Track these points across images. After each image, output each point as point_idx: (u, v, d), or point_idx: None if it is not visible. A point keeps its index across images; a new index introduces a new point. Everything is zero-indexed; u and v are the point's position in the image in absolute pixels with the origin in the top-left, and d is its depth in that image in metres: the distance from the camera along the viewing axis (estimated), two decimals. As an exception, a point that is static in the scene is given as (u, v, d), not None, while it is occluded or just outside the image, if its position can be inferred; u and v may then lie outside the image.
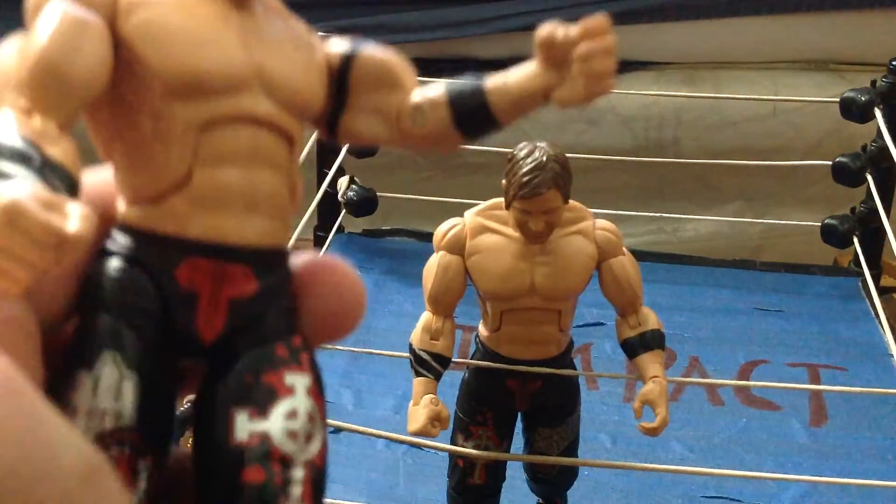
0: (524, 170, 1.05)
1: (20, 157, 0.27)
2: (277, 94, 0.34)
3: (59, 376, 0.29)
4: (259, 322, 0.32)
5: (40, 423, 0.24)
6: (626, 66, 2.45)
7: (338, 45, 0.38)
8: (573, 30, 0.37)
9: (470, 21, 2.35)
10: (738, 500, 1.41)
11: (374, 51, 0.38)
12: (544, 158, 1.05)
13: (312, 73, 0.36)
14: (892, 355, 1.44)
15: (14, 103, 0.29)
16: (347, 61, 0.38)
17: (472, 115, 0.38)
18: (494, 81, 0.38)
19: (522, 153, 1.07)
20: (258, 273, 0.32)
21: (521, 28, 2.32)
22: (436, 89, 0.39)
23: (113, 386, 0.29)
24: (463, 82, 0.39)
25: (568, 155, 1.09)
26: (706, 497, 1.42)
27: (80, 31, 0.30)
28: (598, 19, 0.37)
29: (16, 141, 0.28)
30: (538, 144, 1.08)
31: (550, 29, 0.37)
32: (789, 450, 1.51)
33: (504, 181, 1.09)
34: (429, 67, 1.90)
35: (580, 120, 2.37)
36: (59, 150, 0.29)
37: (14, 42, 0.31)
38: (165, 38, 0.32)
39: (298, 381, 0.32)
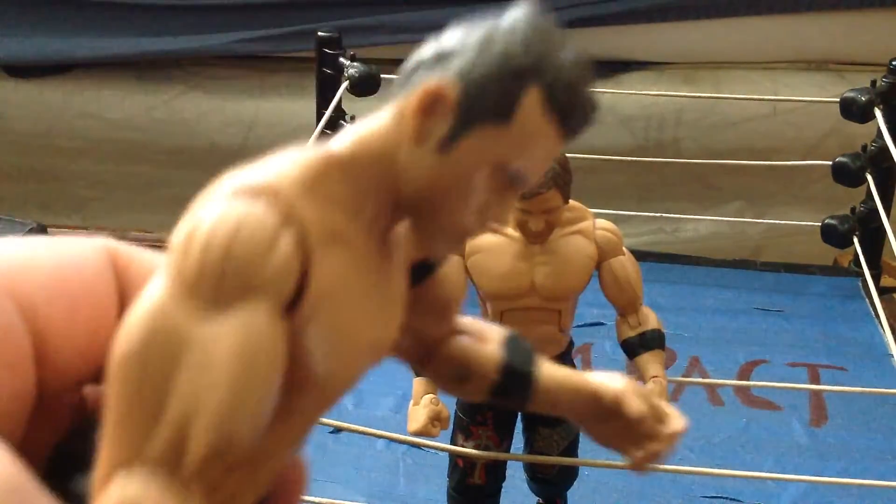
0: (524, 170, 1.05)
1: None
2: None
3: None
4: None
5: None
6: (626, 66, 2.45)
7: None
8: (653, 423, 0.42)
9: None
10: (738, 500, 1.41)
11: (446, 274, 0.39)
12: (544, 158, 1.05)
13: None
14: (892, 355, 1.44)
15: (164, 453, 0.26)
16: (427, 270, 0.38)
17: (510, 402, 0.42)
18: (547, 389, 0.41)
19: (522, 153, 1.07)
20: None
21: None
22: (488, 360, 0.41)
23: None
24: (516, 369, 0.41)
25: (568, 155, 1.09)
26: (706, 497, 1.42)
27: (266, 380, 0.27)
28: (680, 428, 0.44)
29: None
30: (538, 144, 1.07)
31: (636, 411, 0.42)
32: (789, 450, 1.51)
33: (504, 181, 1.08)
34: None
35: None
36: None
37: (167, 310, 0.27)
38: (338, 348, 0.30)
39: None
